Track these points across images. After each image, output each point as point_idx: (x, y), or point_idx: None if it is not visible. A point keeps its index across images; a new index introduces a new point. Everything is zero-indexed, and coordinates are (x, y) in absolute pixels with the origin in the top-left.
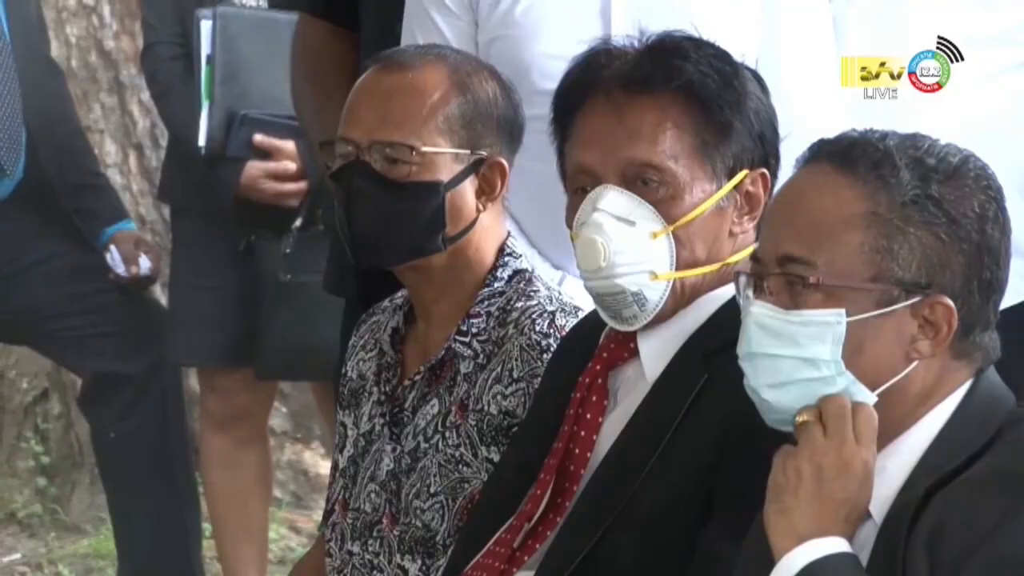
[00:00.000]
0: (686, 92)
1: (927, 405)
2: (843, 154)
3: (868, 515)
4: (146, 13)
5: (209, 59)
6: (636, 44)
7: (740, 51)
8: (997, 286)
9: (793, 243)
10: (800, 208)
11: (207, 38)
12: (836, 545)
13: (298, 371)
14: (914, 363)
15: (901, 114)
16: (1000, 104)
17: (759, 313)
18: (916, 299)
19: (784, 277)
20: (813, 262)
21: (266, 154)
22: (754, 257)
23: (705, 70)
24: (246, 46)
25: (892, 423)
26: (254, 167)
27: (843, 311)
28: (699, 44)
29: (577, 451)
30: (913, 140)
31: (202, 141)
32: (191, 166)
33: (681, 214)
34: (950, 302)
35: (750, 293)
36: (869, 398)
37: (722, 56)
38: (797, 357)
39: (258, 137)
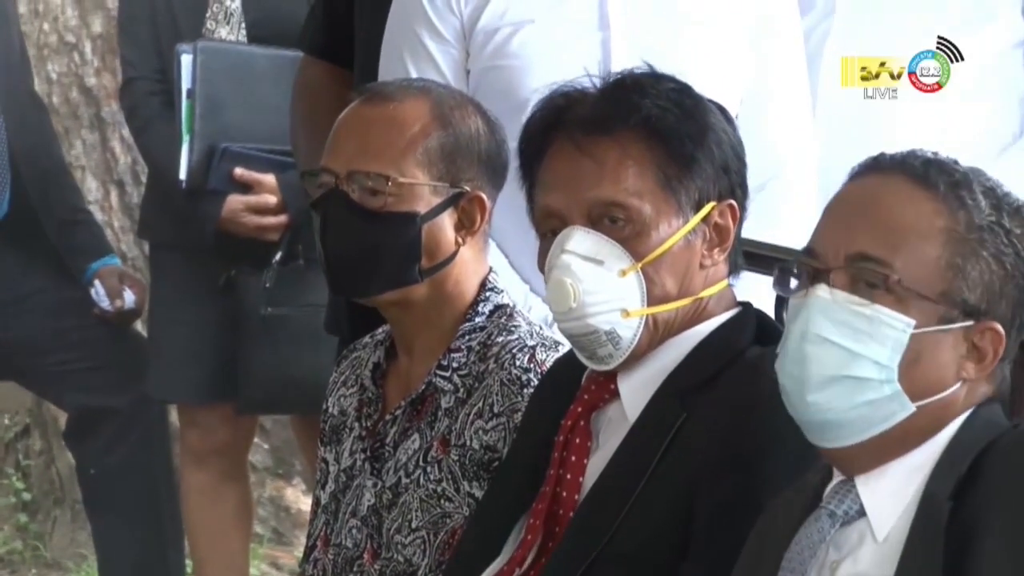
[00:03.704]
0: (645, 128)
1: (952, 421)
2: (920, 169)
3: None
4: (124, 49)
5: (189, 93)
6: (597, 84)
7: (735, 92)
8: None
9: (869, 242)
10: (877, 209)
11: (188, 72)
12: None
13: (279, 405)
14: (959, 383)
15: (901, 114)
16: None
17: (824, 297)
18: (971, 322)
19: (854, 273)
20: (890, 263)
21: (247, 188)
22: (809, 251)
23: (664, 104)
24: (227, 81)
25: (922, 433)
26: (235, 201)
27: (912, 321)
28: (658, 79)
29: (564, 494)
30: (976, 171)
31: (183, 175)
32: (171, 201)
33: (649, 250)
34: (1002, 330)
35: (804, 283)
36: (908, 408)
37: (682, 89)
38: (851, 350)
39: (239, 171)
